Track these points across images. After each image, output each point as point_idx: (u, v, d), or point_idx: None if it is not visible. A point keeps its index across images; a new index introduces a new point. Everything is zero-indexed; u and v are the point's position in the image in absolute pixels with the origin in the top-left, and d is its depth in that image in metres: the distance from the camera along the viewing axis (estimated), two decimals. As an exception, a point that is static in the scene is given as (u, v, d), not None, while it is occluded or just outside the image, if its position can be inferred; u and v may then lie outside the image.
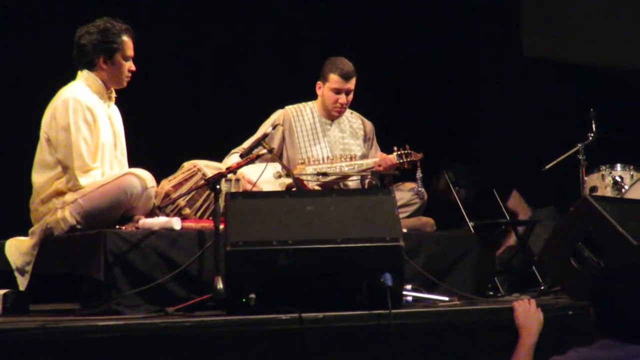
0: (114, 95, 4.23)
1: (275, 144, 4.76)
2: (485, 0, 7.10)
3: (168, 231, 3.86)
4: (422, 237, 4.31)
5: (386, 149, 4.87)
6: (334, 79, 4.82)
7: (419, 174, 4.65)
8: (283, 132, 4.87)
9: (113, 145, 4.18)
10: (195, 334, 3.16)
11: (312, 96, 4.97)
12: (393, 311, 3.27)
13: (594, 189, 5.58)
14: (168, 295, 3.76)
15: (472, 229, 5.51)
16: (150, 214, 4.04)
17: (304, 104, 4.98)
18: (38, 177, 4.07)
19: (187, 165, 4.21)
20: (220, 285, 3.61)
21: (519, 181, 6.41)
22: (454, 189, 5.96)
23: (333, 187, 4.71)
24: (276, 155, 4.48)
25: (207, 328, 3.19)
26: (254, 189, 4.24)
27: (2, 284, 4.08)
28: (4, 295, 3.96)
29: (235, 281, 3.40)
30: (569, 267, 3.86)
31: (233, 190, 4.08)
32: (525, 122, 6.84)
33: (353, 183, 4.82)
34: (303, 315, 3.22)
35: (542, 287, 5.04)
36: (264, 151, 4.20)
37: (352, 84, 4.84)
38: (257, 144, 4.20)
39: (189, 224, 3.97)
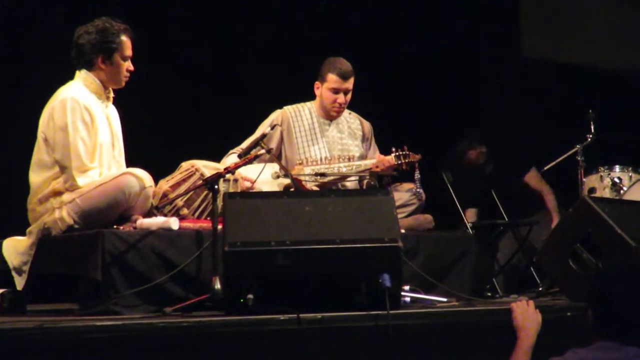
0: (111, 95, 4.22)
1: (273, 145, 4.75)
2: (485, 0, 7.10)
3: (166, 231, 3.85)
4: (421, 237, 4.31)
5: (386, 149, 4.86)
6: (332, 78, 4.81)
7: (417, 175, 4.64)
8: (281, 133, 4.86)
9: (111, 145, 4.17)
10: (193, 334, 3.15)
11: (312, 96, 4.96)
12: (391, 312, 3.26)
13: (592, 190, 5.57)
14: (166, 296, 3.76)
15: (470, 230, 5.50)
16: (148, 214, 4.03)
17: (302, 104, 4.96)
18: (36, 177, 4.05)
19: (185, 165, 4.20)
20: (218, 286, 3.61)
21: (518, 182, 6.40)
22: (451, 189, 5.96)
23: (331, 188, 4.70)
24: (274, 156, 4.47)
25: (205, 328, 3.18)
26: (252, 189, 4.24)
27: (-1, 283, 4.09)
28: (2, 295, 3.97)
29: (233, 281, 3.39)
30: (568, 268, 3.86)
31: (231, 190, 4.07)
32: (525, 122, 6.84)
33: (351, 183, 4.81)
34: (301, 315, 3.21)
35: (541, 288, 5.04)
36: (262, 151, 4.20)
37: (350, 84, 4.83)
38: (256, 144, 4.20)
39: (187, 224, 3.97)
